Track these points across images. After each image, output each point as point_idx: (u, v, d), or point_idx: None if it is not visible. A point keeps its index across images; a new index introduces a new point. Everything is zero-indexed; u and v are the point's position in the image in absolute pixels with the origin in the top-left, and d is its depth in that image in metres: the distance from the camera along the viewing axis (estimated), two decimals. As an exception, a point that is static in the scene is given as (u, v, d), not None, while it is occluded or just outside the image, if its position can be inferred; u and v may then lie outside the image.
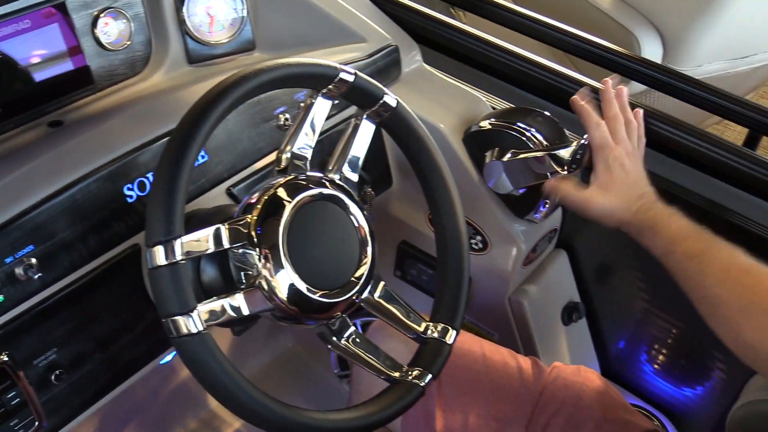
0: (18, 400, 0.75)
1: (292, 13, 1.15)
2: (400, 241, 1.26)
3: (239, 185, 0.95)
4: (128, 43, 1.02)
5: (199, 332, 0.65)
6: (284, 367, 1.53)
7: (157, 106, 0.96)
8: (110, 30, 1.00)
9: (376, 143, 1.15)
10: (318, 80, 0.78)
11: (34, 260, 0.75)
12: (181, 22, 1.07)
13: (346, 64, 1.07)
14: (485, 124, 1.10)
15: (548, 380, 0.94)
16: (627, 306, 1.32)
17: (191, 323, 0.64)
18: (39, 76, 0.91)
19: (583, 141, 1.01)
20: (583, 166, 1.02)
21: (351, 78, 0.79)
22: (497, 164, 1.08)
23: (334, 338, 0.81)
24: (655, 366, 1.33)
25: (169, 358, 1.11)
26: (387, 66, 1.15)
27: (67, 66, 0.94)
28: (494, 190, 1.11)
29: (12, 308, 0.75)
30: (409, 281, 1.28)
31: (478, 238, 1.17)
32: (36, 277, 0.75)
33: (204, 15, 1.10)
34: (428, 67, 1.23)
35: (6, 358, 0.74)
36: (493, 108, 1.17)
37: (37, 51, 0.91)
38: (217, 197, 0.93)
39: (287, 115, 1.01)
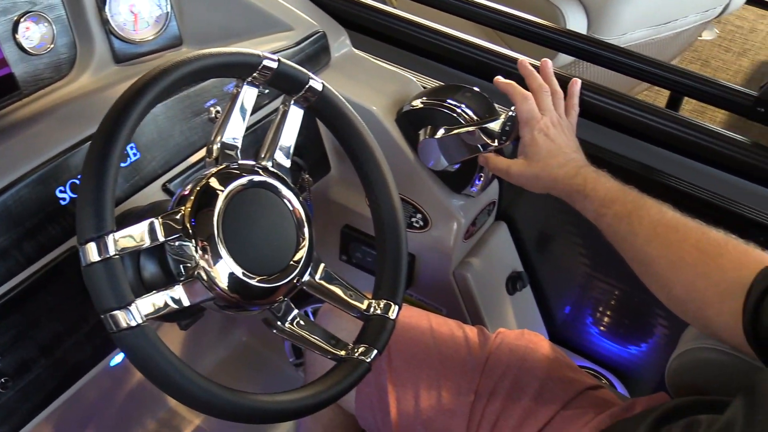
0: (-37, 411, 0.75)
1: (218, 6, 1.15)
2: (344, 226, 1.27)
3: (175, 180, 0.96)
4: (51, 46, 1.01)
5: (138, 325, 0.65)
6: (240, 360, 1.53)
7: (85, 107, 0.95)
8: (32, 34, 0.98)
9: (311, 130, 1.17)
10: (242, 69, 0.79)
11: (-34, 270, 0.75)
12: (104, 22, 1.06)
13: (274, 52, 1.08)
14: (416, 104, 1.12)
15: (493, 346, 0.97)
16: (569, 272, 1.36)
17: (130, 316, 0.65)
18: (-40, 84, 0.90)
19: (510, 113, 1.04)
20: (513, 138, 1.05)
21: (275, 65, 0.80)
22: (431, 142, 1.10)
23: (279, 323, 0.82)
24: (601, 328, 1.38)
25: (119, 359, 1.11)
26: (315, 53, 1.16)
27: None
28: (430, 167, 1.13)
29: (-51, 318, 0.74)
30: (354, 264, 1.30)
31: (419, 216, 1.19)
32: (-30, 286, 0.75)
33: (127, 13, 1.09)
34: (358, 52, 1.24)
35: (-53, 370, 0.74)
36: (424, 88, 1.19)
37: (-44, 59, 0.89)
38: (153, 194, 0.93)
39: (218, 108, 1.01)
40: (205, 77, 0.77)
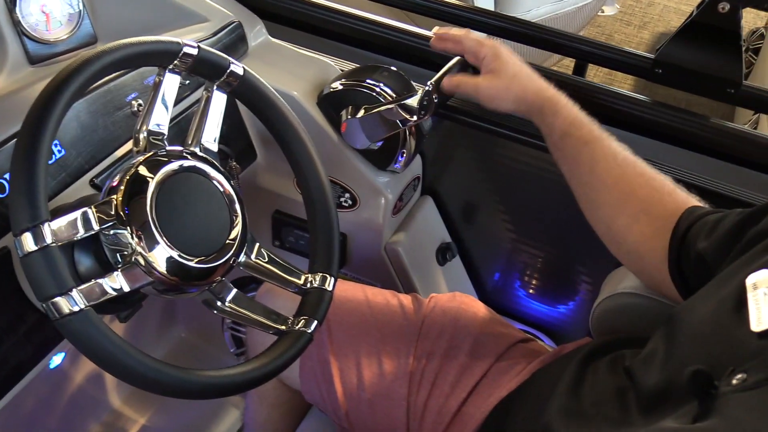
0: None
1: (130, 1, 1.15)
2: (274, 211, 1.29)
3: (102, 175, 0.96)
4: (-38, 50, 0.99)
5: (81, 310, 0.66)
6: (180, 356, 1.54)
7: (2, 109, 0.95)
8: None
9: (235, 119, 1.19)
10: (163, 57, 0.80)
11: None
12: (15, 24, 1.05)
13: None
14: (336, 86, 1.15)
15: (427, 310, 1.01)
16: (495, 240, 1.41)
17: (72, 302, 0.66)
18: None
19: (427, 87, 1.08)
20: (431, 112, 1.09)
21: (195, 51, 0.81)
22: (353, 121, 1.13)
23: (219, 303, 0.84)
24: (529, 290, 1.44)
25: (58, 360, 1.11)
26: (233, 42, 1.18)
27: None
28: (353, 146, 1.16)
29: None
30: (288, 248, 1.32)
31: (347, 195, 1.22)
32: None
33: (39, 13, 1.08)
34: (275, 40, 1.26)
35: None
36: (342, 71, 1.22)
37: None
38: (81, 190, 0.93)
39: (140, 101, 1.02)
40: (126, 66, 0.78)
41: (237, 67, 0.86)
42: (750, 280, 0.59)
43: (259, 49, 1.24)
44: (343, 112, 1.15)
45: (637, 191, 0.84)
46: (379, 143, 1.16)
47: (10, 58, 1.04)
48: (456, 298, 1.03)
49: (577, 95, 1.16)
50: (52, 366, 1.11)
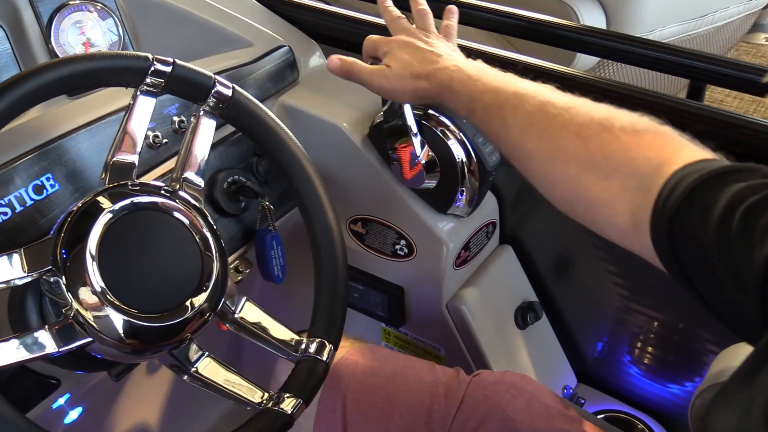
0: None
1: (173, 26, 1.08)
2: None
3: None
4: (-4, 82, 0.94)
5: None
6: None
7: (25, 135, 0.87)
8: None
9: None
10: (130, 75, 0.68)
11: None
12: (51, 53, 1.00)
13: (225, 71, 0.98)
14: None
15: (467, 392, 0.80)
16: (598, 300, 1.17)
17: None
18: None
19: None
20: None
21: (168, 68, 0.69)
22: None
23: (188, 368, 0.70)
24: (641, 364, 1.18)
25: (74, 416, 1.02)
26: (279, 68, 1.06)
27: None
28: (406, 184, 0.99)
29: None
30: (349, 304, 1.16)
31: (402, 242, 1.05)
32: None
33: (78, 43, 1.03)
34: (332, 66, 1.13)
35: None
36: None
37: None
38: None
39: (157, 132, 0.91)
40: (81, 85, 0.67)
41: (224, 87, 0.73)
42: None
43: (314, 75, 1.11)
44: (398, 144, 0.98)
45: (567, 148, 0.64)
46: (434, 182, 0.98)
47: (46, 90, 0.98)
48: (506, 378, 0.81)
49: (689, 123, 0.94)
50: (66, 421, 1.02)
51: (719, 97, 2.36)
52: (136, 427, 1.21)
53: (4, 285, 0.61)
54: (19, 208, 0.77)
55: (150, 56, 0.68)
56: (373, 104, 1.05)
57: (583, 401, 1.13)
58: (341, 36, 1.17)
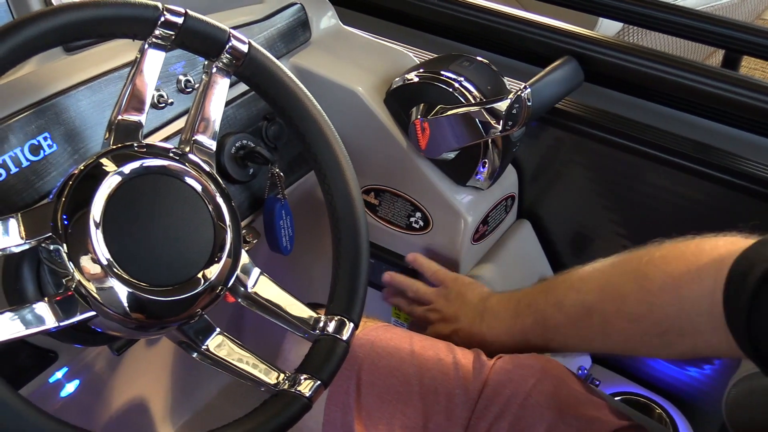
0: None
1: (176, -21, 1.00)
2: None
3: None
4: (-12, 33, 0.88)
5: None
6: (238, 390, 1.36)
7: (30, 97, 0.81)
8: None
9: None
10: (137, 24, 0.62)
11: None
12: (47, 3, 0.93)
13: (234, 28, 0.92)
14: (409, 77, 0.93)
15: (490, 375, 0.75)
16: (615, 279, 1.13)
17: None
18: None
19: (520, 92, 0.84)
20: (523, 122, 0.86)
21: (179, 19, 0.63)
22: (422, 123, 0.91)
23: (198, 345, 0.65)
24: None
25: (71, 388, 0.97)
26: (291, 28, 0.99)
27: None
28: (424, 153, 0.94)
29: None
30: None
31: (418, 215, 1.00)
32: None
33: (75, -6, 0.96)
34: (347, 28, 1.07)
35: None
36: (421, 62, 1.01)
37: None
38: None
39: (162, 91, 0.85)
40: (84, 36, 0.61)
41: (239, 42, 0.67)
42: None
43: (327, 36, 1.04)
44: (413, 111, 0.93)
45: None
46: (453, 153, 0.93)
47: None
48: (530, 361, 0.76)
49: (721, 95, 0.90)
50: (63, 393, 0.98)
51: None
52: (134, 400, 1.16)
53: (20, 248, 0.55)
54: (14, 170, 0.72)
55: (160, 5, 0.62)
56: (391, 68, 0.99)
57: (598, 382, 1.09)
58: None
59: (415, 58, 1.02)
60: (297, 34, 1.01)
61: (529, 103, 0.84)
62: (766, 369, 0.56)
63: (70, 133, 0.78)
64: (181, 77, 0.87)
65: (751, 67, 2.24)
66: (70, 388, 0.96)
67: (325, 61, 0.99)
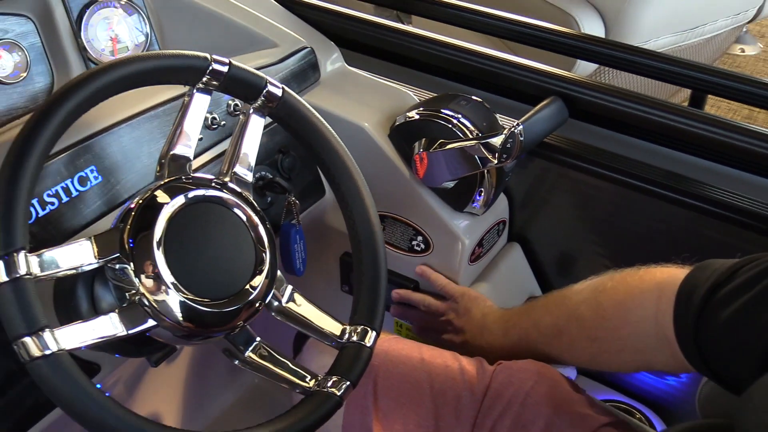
0: None
1: (198, 25, 1.11)
2: (342, 254, 1.18)
3: None
4: (26, 74, 0.97)
5: (52, 353, 0.57)
6: (251, 404, 1.44)
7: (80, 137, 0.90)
8: (5, 63, 0.96)
9: (300, 150, 1.10)
10: (189, 73, 0.72)
11: None
12: (81, 49, 1.02)
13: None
14: (411, 115, 1.04)
15: (493, 379, 0.85)
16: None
17: (43, 343, 0.57)
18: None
19: (513, 128, 0.95)
20: (516, 155, 0.96)
21: (225, 68, 0.73)
22: (425, 156, 1.01)
23: (241, 353, 0.74)
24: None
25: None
26: (303, 69, 1.10)
27: None
28: (425, 183, 1.04)
29: None
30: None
31: (419, 238, 1.09)
32: None
33: (106, 39, 1.06)
34: (351, 68, 1.17)
35: None
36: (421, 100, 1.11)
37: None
38: (117, 221, 0.87)
39: (214, 114, 0.95)
40: (145, 83, 0.70)
41: (275, 87, 0.77)
42: None
43: (334, 77, 1.15)
44: (416, 145, 1.03)
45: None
46: (452, 183, 1.03)
47: (74, 83, 1.00)
48: (529, 367, 0.87)
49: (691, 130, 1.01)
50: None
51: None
52: (155, 413, 1.24)
53: (73, 271, 0.64)
54: (65, 199, 0.81)
55: (209, 56, 0.72)
56: (393, 106, 1.09)
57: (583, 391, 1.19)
58: (358, 38, 1.22)
59: (414, 97, 1.12)
60: (308, 74, 1.11)
61: (521, 139, 0.94)
62: (716, 380, 0.66)
63: (113, 166, 0.87)
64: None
65: (712, 104, 2.40)
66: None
67: (333, 100, 1.09)
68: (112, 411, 0.59)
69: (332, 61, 1.16)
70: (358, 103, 1.09)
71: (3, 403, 0.75)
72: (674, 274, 0.71)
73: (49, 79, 1.01)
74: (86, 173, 0.84)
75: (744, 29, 2.44)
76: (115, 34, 1.07)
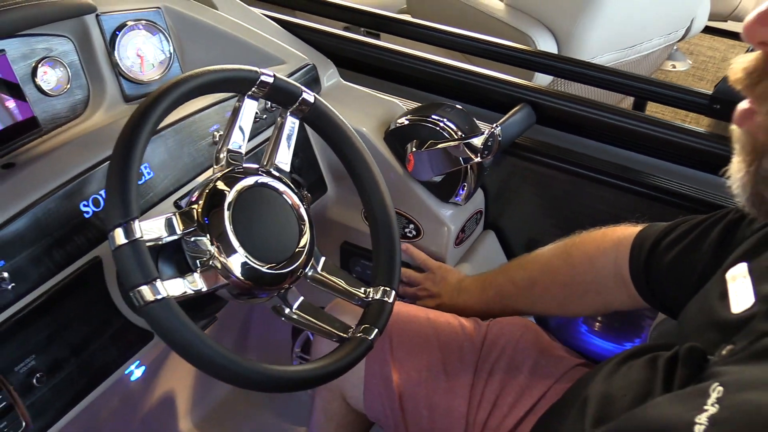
0: (4, 404, 0.82)
1: (214, 45, 1.26)
2: (342, 242, 1.35)
3: (185, 197, 1.04)
4: (67, 87, 1.10)
5: (163, 298, 0.73)
6: (247, 393, 1.59)
7: (100, 137, 1.05)
8: (49, 78, 1.08)
9: (308, 153, 1.27)
10: (242, 83, 0.89)
11: (6, 274, 0.82)
12: (114, 65, 1.17)
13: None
14: (402, 121, 1.22)
15: (488, 331, 1.04)
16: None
17: (155, 290, 0.73)
18: (-13, 125, 0.97)
19: (492, 129, 1.14)
20: (494, 152, 1.15)
21: (271, 79, 0.90)
22: (417, 155, 1.19)
23: (287, 310, 0.90)
24: (594, 326, 1.44)
25: (138, 374, 1.18)
26: (307, 83, 1.27)
27: (14, 113, 1.01)
28: (416, 177, 1.22)
29: (-10, 318, 0.82)
30: (355, 278, 1.37)
31: (411, 226, 1.27)
32: (9, 288, 0.83)
33: (134, 57, 1.20)
34: (345, 82, 1.35)
35: (-10, 366, 0.81)
36: (408, 109, 1.30)
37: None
38: (166, 210, 1.02)
39: (221, 132, 1.11)
40: (210, 91, 0.87)
41: (309, 95, 0.94)
42: (729, 274, 0.70)
43: (332, 90, 1.32)
44: (409, 146, 1.21)
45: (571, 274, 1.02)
46: (440, 177, 1.21)
47: (108, 95, 1.15)
48: (516, 321, 1.06)
49: (636, 130, 1.22)
50: (132, 378, 1.19)
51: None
52: (171, 389, 1.38)
53: (166, 239, 0.79)
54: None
55: (258, 70, 0.89)
56: (385, 113, 1.28)
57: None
58: (351, 56, 1.40)
59: (402, 106, 1.31)
60: (311, 88, 1.25)
61: (500, 138, 1.14)
62: (662, 308, 0.87)
63: (161, 164, 1.03)
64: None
65: (651, 112, 2.67)
66: (137, 373, 1.17)
67: (334, 109, 1.26)
68: (210, 345, 0.75)
69: (329, 76, 1.34)
70: (356, 112, 1.26)
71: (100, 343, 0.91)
72: (629, 231, 0.93)
73: (86, 92, 1.15)
74: (142, 170, 1.00)
75: (675, 47, 2.72)
76: (142, 52, 1.22)
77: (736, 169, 0.59)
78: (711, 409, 0.53)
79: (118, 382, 0.99)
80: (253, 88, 0.90)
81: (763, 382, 0.54)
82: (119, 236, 0.73)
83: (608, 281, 0.95)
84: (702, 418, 0.53)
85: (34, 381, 0.85)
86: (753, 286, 0.66)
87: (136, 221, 0.74)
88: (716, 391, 0.55)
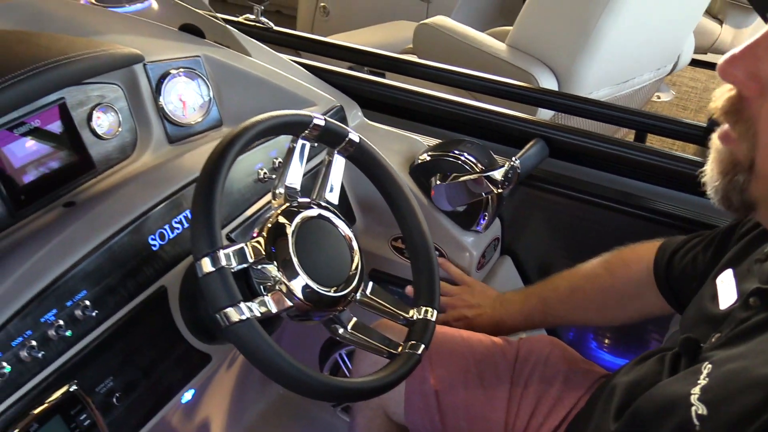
0: (89, 422, 0.90)
1: (250, 90, 1.36)
2: (371, 270, 1.45)
3: (236, 231, 1.14)
4: (118, 131, 1.18)
5: (248, 318, 0.82)
6: (281, 411, 1.67)
7: (154, 176, 1.13)
8: (102, 122, 1.16)
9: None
10: (298, 127, 0.98)
11: (88, 302, 0.91)
12: (159, 110, 1.26)
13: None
14: (425, 157, 1.32)
15: (519, 348, 1.14)
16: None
17: (240, 312, 0.81)
18: (50, 165, 1.05)
19: (512, 162, 1.25)
20: (514, 184, 1.26)
21: (322, 122, 1.00)
22: (440, 187, 1.30)
23: (341, 330, 0.99)
24: (604, 343, 1.55)
25: (189, 396, 1.26)
26: (336, 123, 1.37)
27: (72, 155, 1.10)
28: (440, 208, 1.32)
29: (77, 342, 0.90)
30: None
31: (436, 252, 1.37)
32: (93, 314, 0.91)
33: (177, 101, 1.30)
34: (370, 122, 1.46)
35: (76, 387, 0.89)
36: (429, 146, 1.40)
37: (46, 144, 1.05)
38: (219, 242, 1.11)
39: (265, 170, 1.21)
40: (272, 134, 0.97)
41: (354, 136, 1.04)
42: (718, 278, 0.85)
43: (358, 129, 1.43)
44: (433, 179, 1.31)
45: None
46: (463, 207, 1.32)
47: (154, 137, 1.24)
48: (544, 339, 1.16)
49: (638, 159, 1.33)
50: (183, 400, 1.27)
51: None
52: (209, 412, 1.46)
53: (241, 267, 0.88)
54: (186, 225, 1.05)
55: (311, 114, 0.99)
56: (409, 150, 1.38)
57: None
58: (375, 97, 1.50)
59: (423, 143, 1.41)
60: (340, 127, 1.38)
61: (519, 171, 1.24)
62: (681, 311, 0.98)
63: (214, 200, 1.12)
64: (275, 160, 1.23)
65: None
66: (188, 396, 1.25)
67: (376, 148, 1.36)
68: (288, 360, 0.83)
69: (354, 116, 1.44)
70: (381, 149, 1.33)
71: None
72: (653, 245, 1.08)
73: (134, 135, 1.23)
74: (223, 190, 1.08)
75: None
76: (184, 97, 1.32)
77: (710, 177, 0.70)
78: (702, 382, 0.67)
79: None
80: (306, 131, 0.99)
81: (741, 355, 0.68)
82: (206, 264, 0.81)
83: (642, 287, 1.07)
84: (696, 390, 0.67)
85: (114, 400, 0.93)
86: (736, 286, 0.80)
87: (221, 251, 0.83)
88: (706, 368, 0.69)
